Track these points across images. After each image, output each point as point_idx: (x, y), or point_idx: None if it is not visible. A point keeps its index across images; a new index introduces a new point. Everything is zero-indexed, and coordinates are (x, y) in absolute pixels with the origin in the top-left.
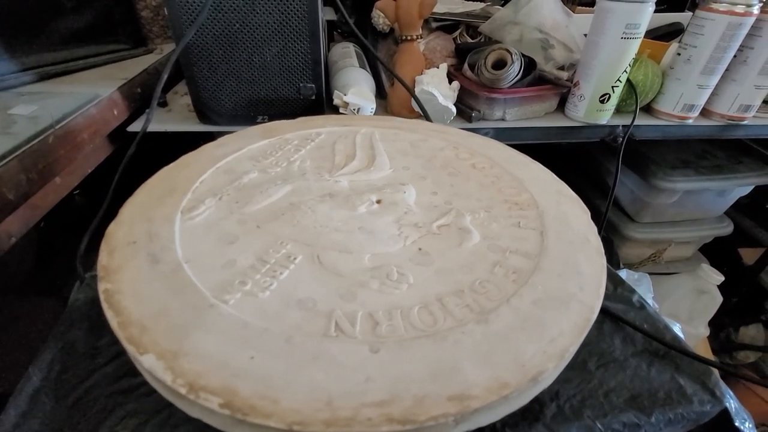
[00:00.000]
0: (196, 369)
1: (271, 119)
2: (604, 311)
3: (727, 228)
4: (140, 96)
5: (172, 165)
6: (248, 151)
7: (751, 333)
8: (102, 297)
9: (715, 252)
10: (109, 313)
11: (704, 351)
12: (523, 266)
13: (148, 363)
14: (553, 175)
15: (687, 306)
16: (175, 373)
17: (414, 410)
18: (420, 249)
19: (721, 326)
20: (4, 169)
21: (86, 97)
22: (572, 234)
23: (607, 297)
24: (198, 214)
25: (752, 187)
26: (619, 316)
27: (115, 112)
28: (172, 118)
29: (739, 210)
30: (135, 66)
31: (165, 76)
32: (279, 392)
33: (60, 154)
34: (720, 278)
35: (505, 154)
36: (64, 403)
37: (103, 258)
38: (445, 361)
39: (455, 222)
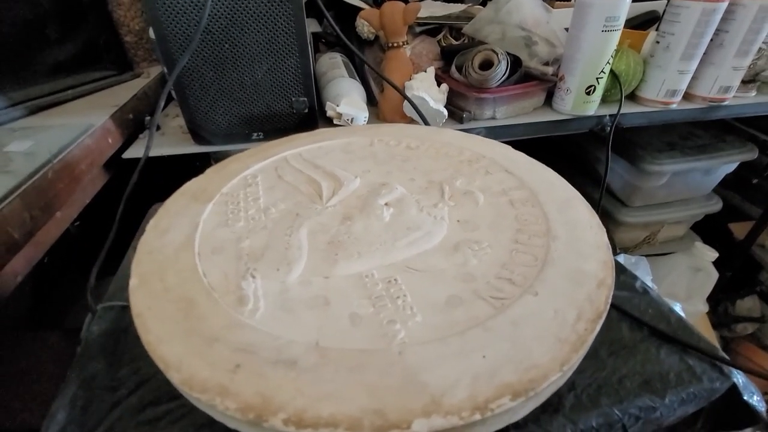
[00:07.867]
0: (460, 397)
1: (266, 136)
2: None
3: (716, 205)
4: (132, 122)
5: (136, 283)
6: (206, 223)
7: (747, 305)
8: (292, 429)
9: (707, 229)
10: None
11: (704, 327)
12: (528, 197)
13: (426, 427)
14: (463, 132)
15: (684, 284)
16: (448, 415)
17: (591, 320)
18: (458, 221)
19: (718, 301)
20: (8, 209)
21: (80, 128)
22: (526, 167)
23: None
24: (254, 302)
25: (737, 164)
26: (624, 310)
27: (110, 140)
28: (167, 141)
29: (726, 187)
30: (124, 92)
31: (162, 103)
32: (528, 360)
33: (59, 188)
34: (714, 254)
35: (419, 131)
36: None
37: (226, 403)
38: (574, 274)
39: (455, 191)
